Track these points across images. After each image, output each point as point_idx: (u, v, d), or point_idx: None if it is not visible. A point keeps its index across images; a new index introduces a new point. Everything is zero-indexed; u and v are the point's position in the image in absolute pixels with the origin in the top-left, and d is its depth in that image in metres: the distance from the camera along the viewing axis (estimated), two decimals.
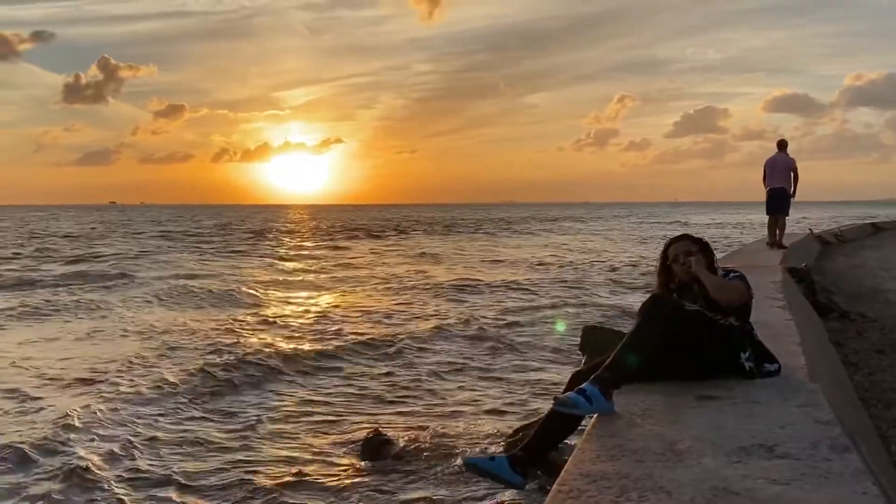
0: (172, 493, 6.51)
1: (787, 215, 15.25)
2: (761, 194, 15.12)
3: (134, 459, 7.26)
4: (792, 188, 14.65)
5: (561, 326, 12.09)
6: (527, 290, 20.54)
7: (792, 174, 14.59)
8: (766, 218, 15.69)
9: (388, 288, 21.58)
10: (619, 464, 2.80)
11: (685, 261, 4.36)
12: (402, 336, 13.20)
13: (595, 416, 3.48)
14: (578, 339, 10.67)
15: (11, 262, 30.82)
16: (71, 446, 7.57)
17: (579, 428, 3.85)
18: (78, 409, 8.69)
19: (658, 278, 4.57)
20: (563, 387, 3.97)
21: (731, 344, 4.02)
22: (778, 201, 14.77)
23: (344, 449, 7.53)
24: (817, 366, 4.87)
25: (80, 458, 7.21)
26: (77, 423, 8.22)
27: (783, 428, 3.17)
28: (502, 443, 7.22)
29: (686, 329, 3.84)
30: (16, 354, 12.15)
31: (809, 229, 24.49)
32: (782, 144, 14.73)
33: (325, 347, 12.48)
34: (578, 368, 4.15)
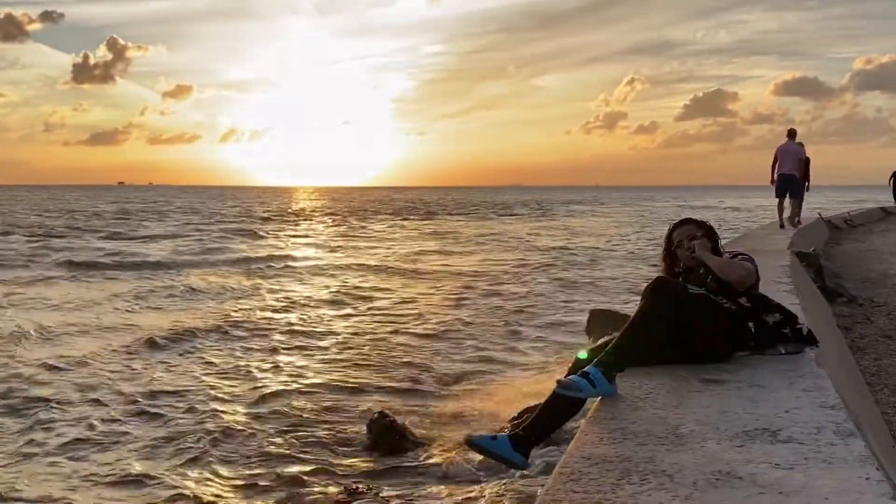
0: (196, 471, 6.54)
1: (801, 198, 16.84)
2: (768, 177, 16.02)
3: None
4: (801, 174, 15.93)
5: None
6: None
7: (801, 161, 15.81)
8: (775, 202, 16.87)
9: None
10: (621, 447, 2.78)
11: (689, 245, 4.32)
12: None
13: (598, 398, 3.46)
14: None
15: None
16: None
17: (582, 410, 3.83)
18: None
19: (662, 263, 4.54)
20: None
21: (736, 327, 4.01)
22: (788, 186, 15.96)
23: (350, 429, 7.55)
24: (824, 350, 4.84)
25: None
26: None
27: (788, 412, 3.14)
28: (507, 424, 7.23)
29: (690, 312, 3.82)
30: None
31: (818, 213, 24.34)
32: (792, 133, 15.87)
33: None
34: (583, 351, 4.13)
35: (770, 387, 3.55)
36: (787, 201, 16.53)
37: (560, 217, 57.32)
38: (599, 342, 4.00)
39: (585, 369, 3.55)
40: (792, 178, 15.73)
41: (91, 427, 7.69)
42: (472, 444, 3.78)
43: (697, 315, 3.86)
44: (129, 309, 15.04)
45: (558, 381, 3.64)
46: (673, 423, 3.04)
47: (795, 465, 2.54)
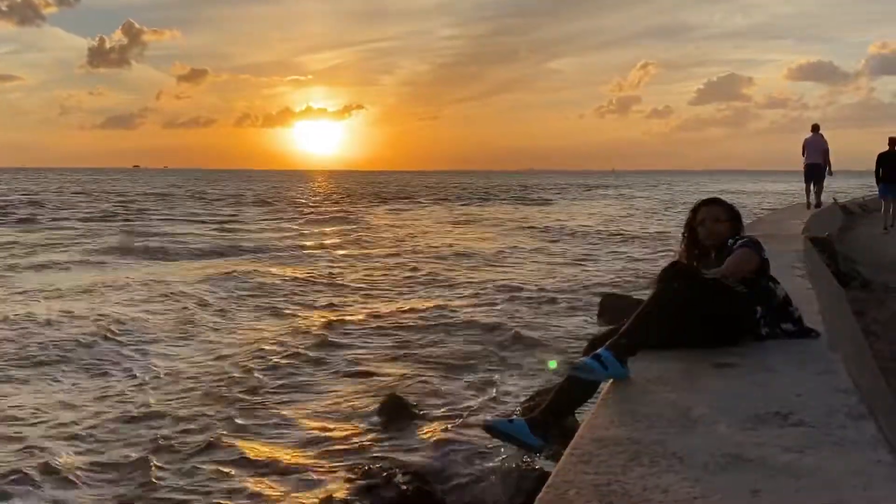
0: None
1: (823, 182, 18.90)
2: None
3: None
4: (826, 163, 17.96)
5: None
6: None
7: (824, 152, 17.80)
8: (802, 186, 19.30)
9: None
10: (632, 429, 2.79)
11: (711, 227, 4.35)
12: None
13: (610, 381, 3.47)
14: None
15: None
16: None
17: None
18: None
19: (682, 239, 4.55)
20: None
21: (748, 310, 4.01)
22: (814, 173, 18.29)
23: (362, 411, 7.58)
24: (837, 334, 4.83)
25: None
26: None
27: (799, 396, 3.14)
28: (519, 407, 7.24)
29: (703, 296, 3.82)
30: None
31: (833, 198, 24.21)
32: (816, 127, 18.07)
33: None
34: (596, 334, 4.15)
35: (781, 370, 3.55)
36: (811, 186, 18.66)
37: None
38: (613, 326, 4.01)
39: (597, 351, 3.56)
40: (818, 167, 17.97)
41: None
42: (489, 428, 3.80)
43: (710, 299, 3.87)
44: None
45: (571, 363, 3.65)
46: (684, 406, 3.05)
47: (806, 448, 2.55)
